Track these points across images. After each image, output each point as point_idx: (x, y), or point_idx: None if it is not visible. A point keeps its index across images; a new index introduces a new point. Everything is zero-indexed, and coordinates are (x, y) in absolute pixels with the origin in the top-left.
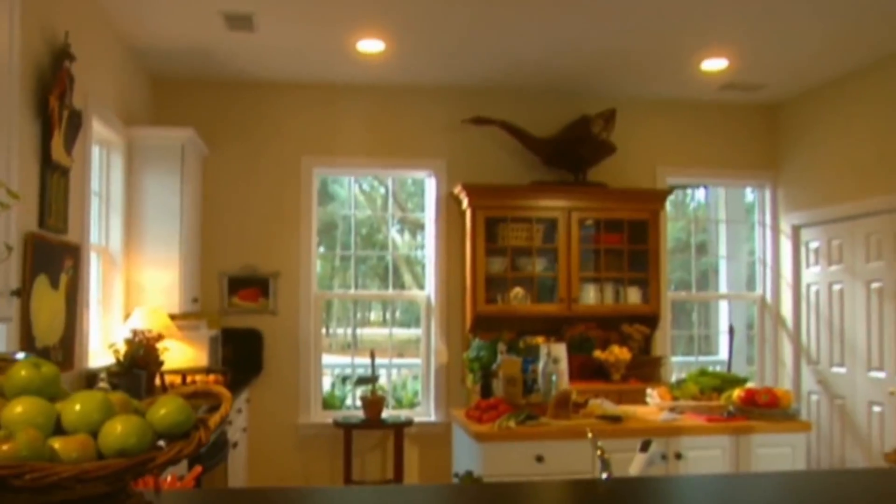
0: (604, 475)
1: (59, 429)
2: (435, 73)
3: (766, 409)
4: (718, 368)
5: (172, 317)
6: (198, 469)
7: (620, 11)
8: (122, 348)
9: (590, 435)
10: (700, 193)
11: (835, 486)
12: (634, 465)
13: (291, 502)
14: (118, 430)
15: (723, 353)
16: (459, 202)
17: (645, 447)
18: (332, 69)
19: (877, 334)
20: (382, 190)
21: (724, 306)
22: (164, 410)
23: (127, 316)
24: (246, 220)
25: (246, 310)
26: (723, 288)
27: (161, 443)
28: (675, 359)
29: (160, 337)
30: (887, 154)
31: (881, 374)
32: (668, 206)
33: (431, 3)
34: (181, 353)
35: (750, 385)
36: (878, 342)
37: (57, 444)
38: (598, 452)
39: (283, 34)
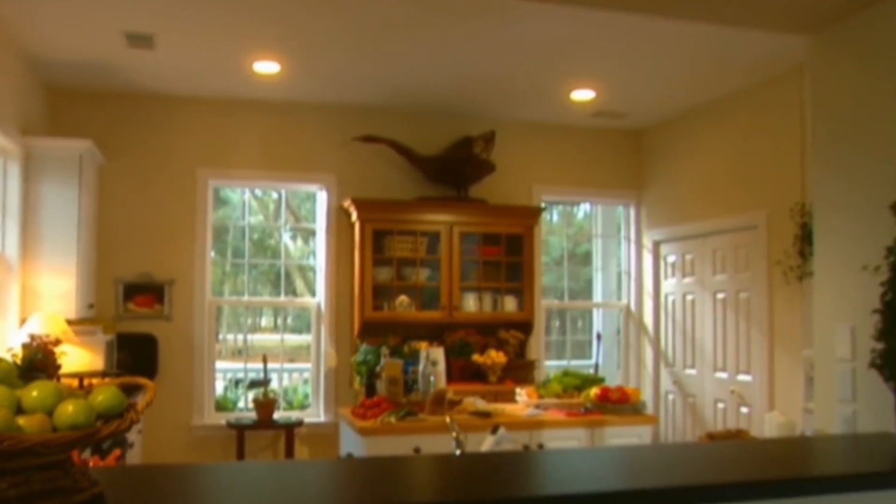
0: (458, 451)
1: (19, 410)
2: (327, 94)
3: (617, 404)
4: (591, 371)
5: (69, 322)
6: (117, 451)
7: (497, 44)
8: (20, 352)
9: (448, 420)
10: (587, 206)
11: (637, 455)
12: (485, 445)
13: (199, 475)
14: (70, 410)
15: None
16: (349, 215)
17: (494, 431)
18: (229, 87)
19: (721, 340)
20: (275, 195)
21: (597, 314)
22: (102, 396)
23: (23, 321)
24: (142, 229)
25: (141, 315)
26: (598, 297)
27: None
28: (555, 362)
29: (58, 341)
30: (730, 179)
31: (724, 375)
32: (556, 217)
33: (324, 30)
34: (78, 358)
35: (605, 384)
36: (721, 347)
37: (21, 421)
38: (454, 434)
39: (183, 54)
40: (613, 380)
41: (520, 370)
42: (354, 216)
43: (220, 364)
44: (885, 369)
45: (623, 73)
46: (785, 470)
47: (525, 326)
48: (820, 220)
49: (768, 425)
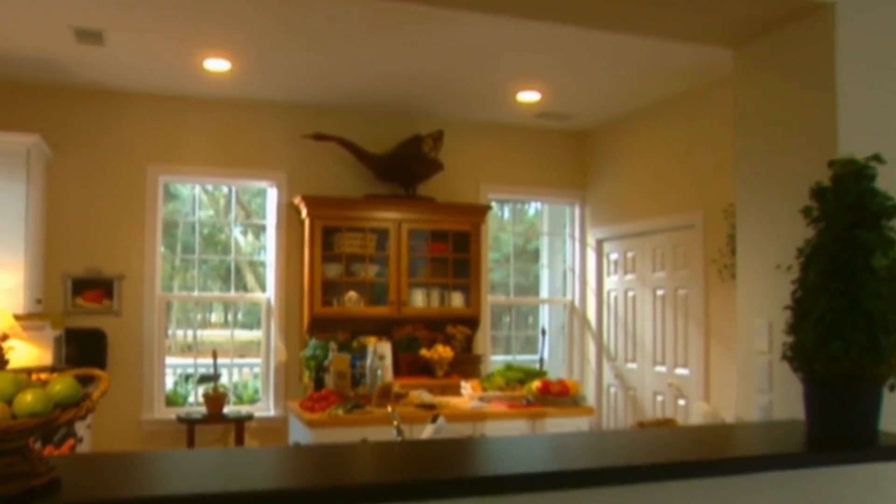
0: (398, 439)
1: None
2: (278, 92)
3: (557, 397)
4: (537, 365)
5: (16, 317)
6: (71, 441)
7: (444, 46)
8: None
9: (389, 409)
10: (538, 204)
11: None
12: (425, 432)
13: (152, 460)
14: (29, 399)
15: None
16: (299, 211)
17: (434, 420)
18: (180, 84)
19: (660, 335)
20: (225, 189)
21: (544, 310)
22: (59, 386)
23: None
24: (91, 224)
25: (90, 311)
26: (545, 293)
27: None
28: (505, 357)
29: (5, 337)
30: (670, 180)
31: (663, 369)
32: (507, 214)
33: (274, 30)
34: (26, 353)
35: (547, 378)
36: (661, 341)
37: None
38: (395, 423)
39: (133, 50)
40: (559, 373)
41: (466, 364)
42: (304, 213)
43: (169, 360)
44: (794, 361)
45: (567, 76)
46: (706, 453)
47: (472, 322)
48: (742, 222)
49: (694, 415)
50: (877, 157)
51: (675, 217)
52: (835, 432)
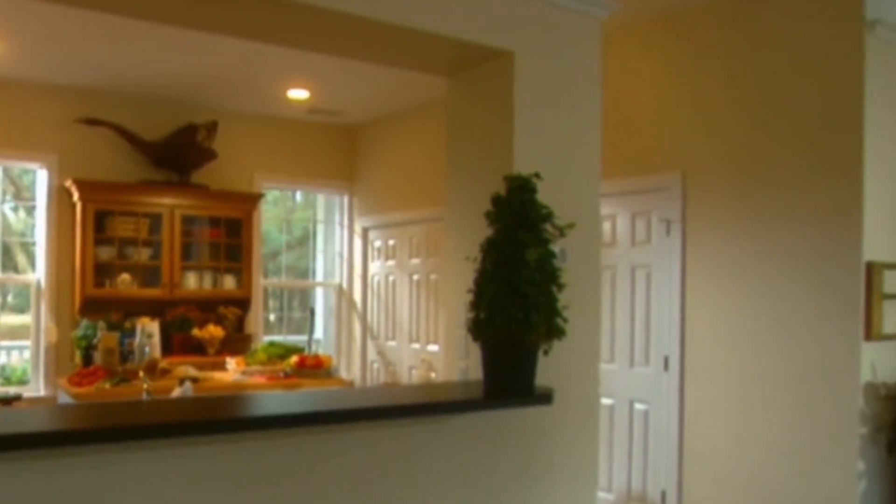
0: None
1: None
2: (50, 74)
3: (312, 369)
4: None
5: None
6: None
7: (217, 40)
8: None
9: (141, 374)
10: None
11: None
12: (173, 394)
13: None
14: None
15: (318, 331)
16: (71, 194)
17: (182, 384)
18: None
19: (415, 316)
20: None
21: (318, 292)
22: None
23: None
24: None
25: None
26: (319, 276)
27: None
28: (282, 336)
29: None
30: (425, 175)
31: (417, 346)
32: (300, 198)
33: (46, 12)
34: None
35: (304, 353)
36: (416, 321)
37: None
38: (145, 386)
39: None
40: (330, 351)
41: (237, 343)
42: (76, 196)
43: None
44: (473, 332)
45: (334, 76)
46: (409, 400)
47: (243, 303)
48: (449, 220)
49: (414, 378)
50: (536, 175)
51: (428, 210)
52: (504, 386)
